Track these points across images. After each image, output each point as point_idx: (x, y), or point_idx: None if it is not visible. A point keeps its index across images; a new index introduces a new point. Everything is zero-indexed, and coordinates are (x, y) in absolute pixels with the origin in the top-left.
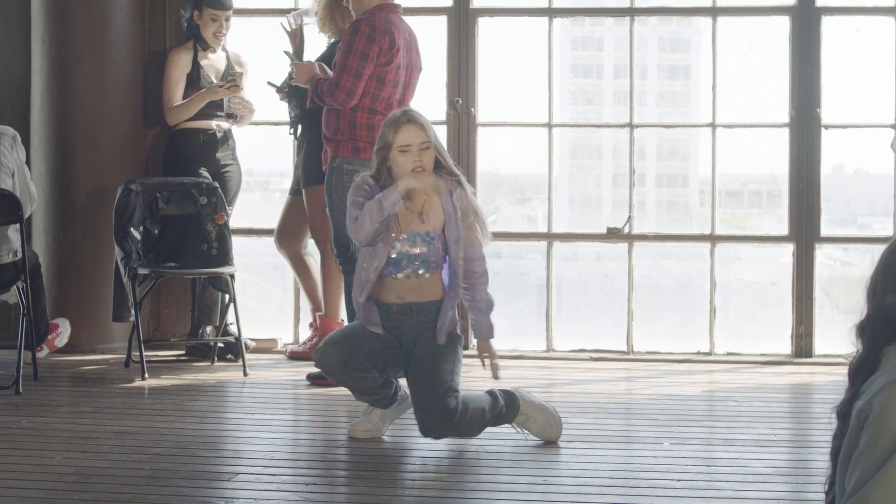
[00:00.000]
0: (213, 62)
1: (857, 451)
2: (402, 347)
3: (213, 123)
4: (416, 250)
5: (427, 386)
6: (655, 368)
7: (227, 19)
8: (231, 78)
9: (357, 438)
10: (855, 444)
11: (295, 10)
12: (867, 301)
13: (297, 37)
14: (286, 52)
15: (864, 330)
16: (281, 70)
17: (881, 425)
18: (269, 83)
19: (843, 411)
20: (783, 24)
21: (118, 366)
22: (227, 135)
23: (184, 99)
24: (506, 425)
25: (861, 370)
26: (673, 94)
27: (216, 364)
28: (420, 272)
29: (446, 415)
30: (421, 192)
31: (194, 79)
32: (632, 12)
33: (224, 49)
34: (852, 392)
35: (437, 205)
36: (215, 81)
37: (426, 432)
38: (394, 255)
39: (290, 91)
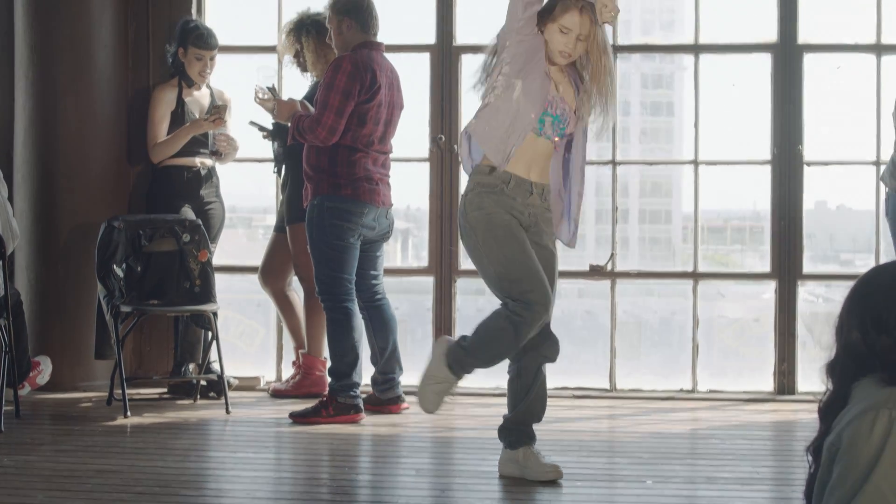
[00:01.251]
0: (197, 99)
1: (830, 483)
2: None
3: (197, 160)
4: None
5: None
6: (638, 406)
7: (213, 58)
8: (216, 111)
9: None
10: (827, 479)
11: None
12: (835, 339)
13: (270, 102)
14: (252, 123)
15: (834, 369)
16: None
17: (852, 456)
18: (252, 122)
19: (815, 448)
20: (765, 61)
21: (100, 404)
22: (211, 172)
23: (168, 135)
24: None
25: (831, 408)
26: (656, 131)
27: (199, 402)
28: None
29: None
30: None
31: (179, 116)
32: (615, 50)
33: (208, 86)
34: (823, 430)
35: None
36: (199, 118)
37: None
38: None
39: (273, 130)
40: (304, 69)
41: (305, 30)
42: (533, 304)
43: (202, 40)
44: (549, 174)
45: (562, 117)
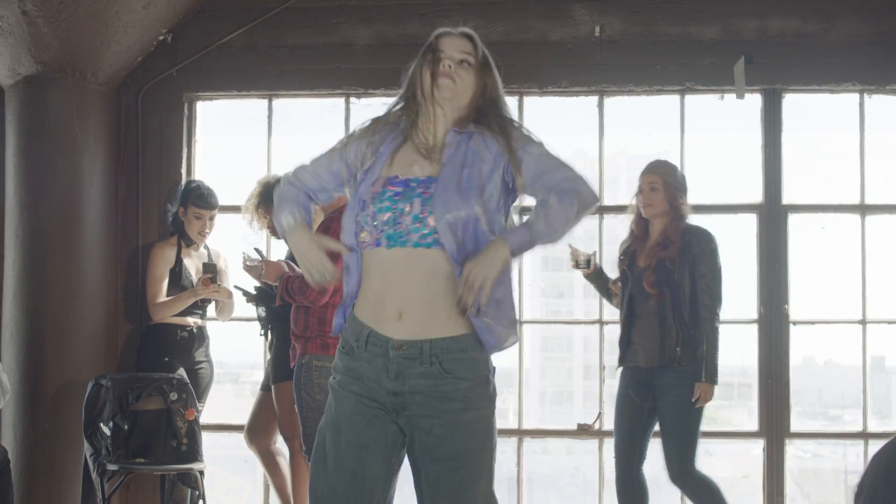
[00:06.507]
0: (195, 259)
1: None
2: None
3: (191, 320)
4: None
5: None
6: None
7: (212, 218)
8: (207, 270)
9: None
10: None
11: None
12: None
13: (258, 270)
14: (237, 287)
15: None
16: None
17: None
18: (236, 286)
19: None
20: (751, 221)
21: None
22: (203, 332)
23: (168, 295)
24: None
25: None
26: None
27: None
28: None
29: None
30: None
31: (176, 275)
32: (601, 210)
33: (206, 247)
34: None
35: None
36: (196, 278)
37: None
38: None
39: (257, 295)
40: (279, 236)
41: None
42: None
43: (202, 199)
44: None
45: None
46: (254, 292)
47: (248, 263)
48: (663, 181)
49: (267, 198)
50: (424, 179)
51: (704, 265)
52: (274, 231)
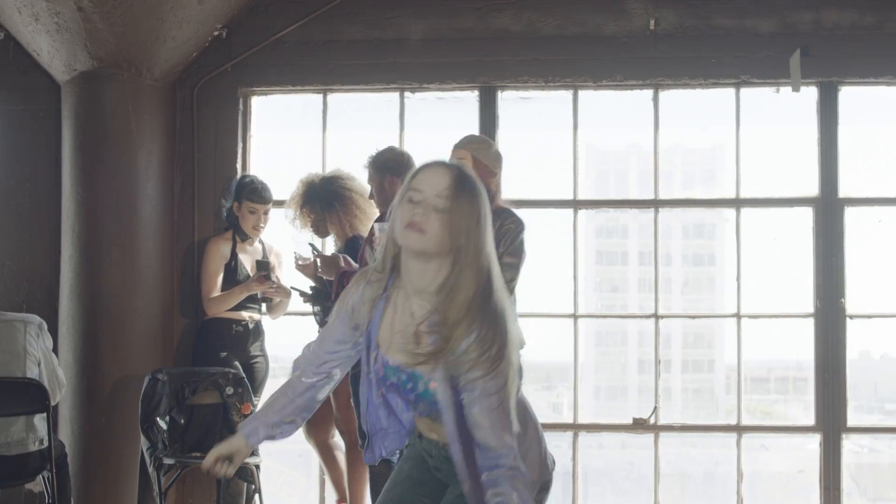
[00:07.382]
0: (250, 254)
1: None
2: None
3: (246, 315)
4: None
5: None
6: None
7: (266, 212)
8: (261, 267)
9: None
10: None
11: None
12: None
13: (311, 268)
14: (293, 288)
15: None
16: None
17: None
18: (293, 287)
19: None
20: (807, 214)
21: None
22: (258, 326)
23: (223, 290)
24: None
25: None
26: (698, 281)
27: None
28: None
29: None
30: None
31: (231, 269)
32: (656, 204)
33: (261, 241)
34: None
35: None
36: (251, 273)
37: None
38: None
39: (312, 294)
40: (323, 235)
41: (325, 202)
42: None
43: (256, 194)
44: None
45: None
46: (310, 292)
47: (300, 263)
48: (473, 158)
49: (310, 197)
50: None
51: (502, 251)
52: (317, 230)
